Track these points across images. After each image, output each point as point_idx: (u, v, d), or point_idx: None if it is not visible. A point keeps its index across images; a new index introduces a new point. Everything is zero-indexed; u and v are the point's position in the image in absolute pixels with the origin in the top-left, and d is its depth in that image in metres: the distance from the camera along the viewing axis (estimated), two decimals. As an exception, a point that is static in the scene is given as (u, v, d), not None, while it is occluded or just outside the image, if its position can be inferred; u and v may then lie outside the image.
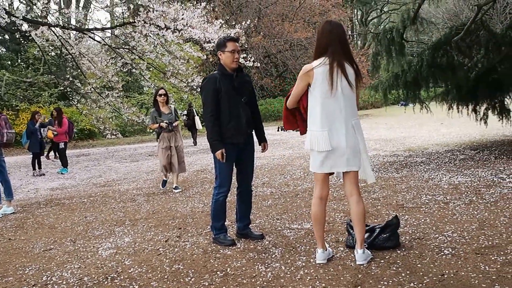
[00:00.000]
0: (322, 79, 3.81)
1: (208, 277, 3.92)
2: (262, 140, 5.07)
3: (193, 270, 4.12)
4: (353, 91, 3.90)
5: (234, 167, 4.88)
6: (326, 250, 4.03)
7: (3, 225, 6.78)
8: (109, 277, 4.14)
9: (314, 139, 3.87)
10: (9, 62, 33.54)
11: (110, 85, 16.95)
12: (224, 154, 4.66)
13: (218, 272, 4.00)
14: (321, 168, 3.93)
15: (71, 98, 20.48)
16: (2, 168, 7.60)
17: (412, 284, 3.38)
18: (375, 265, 3.82)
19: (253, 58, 15.21)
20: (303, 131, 4.13)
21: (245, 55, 15.18)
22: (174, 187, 8.40)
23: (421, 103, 10.83)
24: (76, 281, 4.13)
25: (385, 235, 4.21)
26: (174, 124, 8.40)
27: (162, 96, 8.53)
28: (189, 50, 15.04)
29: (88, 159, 17.00)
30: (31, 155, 13.41)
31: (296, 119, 4.18)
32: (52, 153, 17.31)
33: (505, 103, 10.91)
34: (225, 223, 4.94)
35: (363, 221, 3.95)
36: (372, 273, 3.67)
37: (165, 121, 8.30)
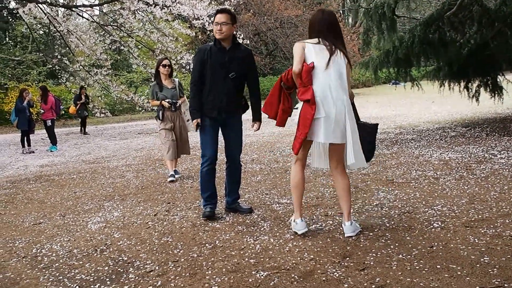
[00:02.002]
0: (316, 54, 3.85)
1: (196, 249, 3.91)
2: (254, 119, 4.97)
3: (182, 243, 4.11)
4: (344, 75, 3.91)
5: (218, 140, 4.86)
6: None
7: (-9, 201, 6.73)
8: (98, 249, 4.13)
9: (318, 104, 3.84)
10: (-6, 40, 33.02)
11: (98, 63, 16.80)
12: (200, 124, 4.74)
13: (207, 244, 3.99)
14: (317, 136, 3.87)
15: (59, 76, 20.26)
16: None
17: (400, 256, 3.39)
18: (364, 237, 3.83)
19: (242, 36, 15.10)
20: (279, 123, 4.17)
21: (234, 32, 15.06)
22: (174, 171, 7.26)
23: (412, 80, 10.81)
24: (66, 253, 4.11)
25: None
26: (178, 104, 7.21)
27: (167, 67, 7.25)
28: (178, 27, 14.86)
29: (77, 137, 16.87)
30: (20, 133, 13.28)
31: (278, 108, 4.14)
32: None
33: (498, 80, 10.88)
34: (215, 196, 4.92)
35: (349, 194, 3.97)
36: (361, 245, 3.67)
37: (167, 100, 7.10)
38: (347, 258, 3.43)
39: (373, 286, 2.96)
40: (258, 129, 5.02)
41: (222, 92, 4.68)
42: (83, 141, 15.00)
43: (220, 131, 4.86)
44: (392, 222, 4.17)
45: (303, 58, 3.87)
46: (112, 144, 13.41)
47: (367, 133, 4.12)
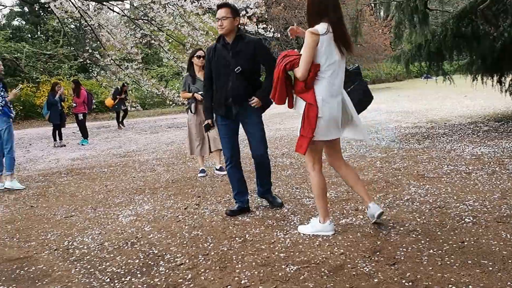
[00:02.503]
0: (326, 47, 3.68)
1: (227, 242, 3.93)
2: (256, 94, 4.63)
3: (212, 236, 4.13)
4: (344, 62, 3.84)
5: (236, 138, 4.81)
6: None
7: (25, 193, 6.88)
8: (129, 242, 4.18)
9: (322, 106, 3.73)
10: (29, 35, 33.79)
11: (129, 57, 16.97)
12: (211, 124, 4.77)
13: (237, 238, 4.00)
14: (326, 135, 3.85)
15: (90, 70, 20.62)
16: None
17: (431, 251, 3.34)
18: (394, 232, 3.79)
19: (273, 29, 15.03)
20: (292, 105, 3.95)
21: (264, 25, 15.03)
22: (218, 167, 7.11)
23: (444, 74, 10.62)
24: (97, 246, 4.18)
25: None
26: None
27: (201, 58, 6.80)
28: (208, 21, 14.89)
29: (108, 130, 17.13)
30: (52, 127, 13.54)
31: (287, 93, 3.89)
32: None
33: (532, 74, 10.62)
34: (242, 194, 4.87)
35: (358, 178, 4.07)
36: (391, 240, 3.63)
37: (200, 93, 6.64)
38: (377, 253, 3.40)
39: (404, 281, 2.93)
40: (257, 105, 4.62)
41: (228, 88, 4.59)
42: (114, 135, 15.21)
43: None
44: (423, 217, 4.11)
45: (312, 58, 3.66)
46: (143, 138, 13.56)
47: (355, 80, 4.04)
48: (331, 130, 3.82)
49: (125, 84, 17.47)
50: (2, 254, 4.23)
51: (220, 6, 4.59)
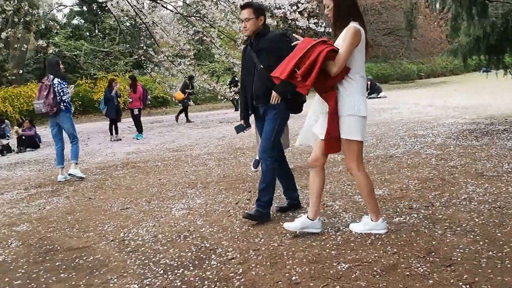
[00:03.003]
0: (363, 47, 3.68)
1: (277, 238, 3.92)
2: (273, 88, 4.38)
3: (262, 232, 4.13)
4: None
5: None
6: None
7: (84, 185, 7.11)
8: (181, 235, 4.25)
9: (358, 103, 3.65)
10: (87, 33, 34.86)
11: (182, 54, 17.20)
12: (243, 125, 4.74)
13: (288, 234, 3.98)
14: (364, 135, 3.77)
15: (145, 67, 21.05)
16: (55, 136, 7.81)
17: (490, 253, 3.22)
18: (451, 232, 3.67)
19: (324, 24, 14.87)
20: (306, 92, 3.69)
21: (316, 20, 14.88)
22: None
23: (505, 68, 10.21)
24: (151, 238, 4.27)
25: None
26: None
27: None
28: (260, 17, 14.91)
29: (161, 125, 17.45)
30: (108, 121, 13.93)
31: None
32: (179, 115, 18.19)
33: None
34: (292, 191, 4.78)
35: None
36: (447, 240, 3.53)
37: None
38: (432, 253, 3.31)
39: (461, 284, 2.84)
40: (277, 99, 4.35)
41: (251, 88, 4.54)
42: (167, 129, 15.49)
43: None
44: (482, 217, 3.96)
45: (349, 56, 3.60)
46: (195, 133, 13.74)
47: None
48: (364, 129, 3.77)
49: (192, 78, 17.65)
50: (63, 244, 4.40)
51: (242, 7, 4.48)
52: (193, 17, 15.70)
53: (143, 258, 3.81)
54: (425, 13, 30.88)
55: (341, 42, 3.60)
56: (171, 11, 17.00)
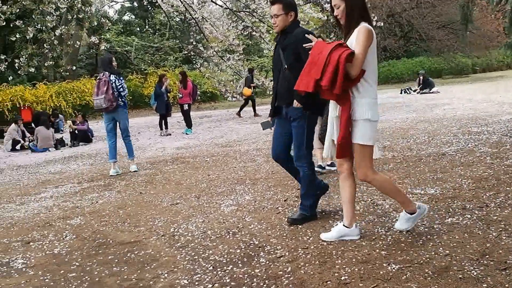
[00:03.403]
0: (373, 44, 3.54)
1: (327, 237, 3.91)
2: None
3: (311, 230, 4.13)
4: None
5: (285, 139, 4.57)
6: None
7: (135, 180, 7.28)
8: (230, 232, 4.30)
9: (372, 107, 3.54)
10: (138, 29, 35.57)
11: (231, 49, 17.32)
12: (270, 122, 4.66)
13: (337, 233, 3.96)
14: (375, 140, 3.65)
15: (194, 62, 21.28)
16: (110, 131, 8.03)
17: (554, 259, 3.11)
18: (506, 234, 3.56)
19: (376, 18, 14.64)
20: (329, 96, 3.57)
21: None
22: (329, 163, 6.75)
23: None
24: (200, 234, 4.34)
25: None
26: None
27: None
28: (309, 11, 14.81)
29: (210, 120, 17.64)
30: (158, 116, 14.19)
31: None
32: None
33: None
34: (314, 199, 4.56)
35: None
36: (502, 242, 3.42)
37: None
38: (486, 256, 3.22)
39: (517, 289, 2.75)
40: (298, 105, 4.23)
41: (276, 87, 4.44)
42: (216, 125, 15.64)
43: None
44: (542, 220, 3.82)
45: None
46: (244, 128, 13.83)
47: None
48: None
49: (253, 70, 17.69)
50: (115, 238, 4.53)
51: (272, 2, 4.27)
52: (242, 12, 15.77)
53: (192, 253, 3.88)
54: (481, 5, 29.91)
55: (355, 43, 3.48)
56: (220, 6, 17.13)
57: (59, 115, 18.65)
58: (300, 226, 4.24)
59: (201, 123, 16.55)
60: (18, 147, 13.12)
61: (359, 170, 3.61)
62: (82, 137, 13.55)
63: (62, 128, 17.58)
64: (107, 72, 7.73)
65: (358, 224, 3.92)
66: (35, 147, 12.69)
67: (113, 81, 7.65)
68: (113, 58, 8.09)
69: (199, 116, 19.42)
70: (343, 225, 3.81)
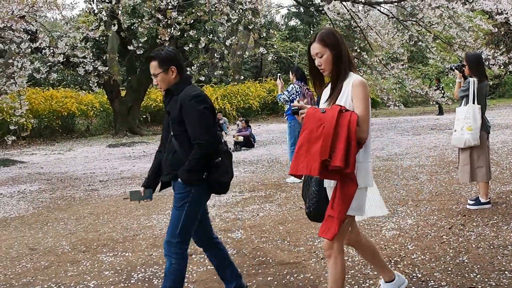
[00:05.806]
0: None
1: (495, 276, 3.76)
2: None
3: (478, 266, 3.98)
4: None
5: None
6: None
7: (295, 193, 7.36)
8: (392, 261, 4.28)
9: (369, 172, 3.15)
10: (302, 34, 36.32)
11: (395, 57, 17.01)
12: (141, 193, 3.78)
13: (506, 272, 3.79)
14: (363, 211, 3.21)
15: (358, 69, 21.22)
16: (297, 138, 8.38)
17: None
18: None
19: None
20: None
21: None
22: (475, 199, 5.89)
23: None
24: (361, 260, 4.28)
25: None
26: None
27: None
28: (479, 23, 14.03)
29: (371, 129, 17.40)
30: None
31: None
32: None
33: None
34: None
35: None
36: None
37: None
38: None
39: None
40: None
41: (163, 157, 3.76)
42: (377, 134, 15.40)
43: None
44: None
45: None
46: (405, 140, 13.48)
47: None
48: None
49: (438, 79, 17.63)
50: (275, 257, 4.62)
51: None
52: (408, 21, 15.42)
53: (353, 282, 3.88)
54: None
55: (353, 101, 3.02)
56: (386, 15, 16.91)
57: (223, 117, 19.78)
58: (466, 260, 4.10)
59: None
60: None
61: (329, 243, 3.11)
62: (245, 142, 14.13)
63: (225, 131, 18.61)
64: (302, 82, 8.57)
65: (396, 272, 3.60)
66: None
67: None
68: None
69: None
70: (385, 281, 3.51)
